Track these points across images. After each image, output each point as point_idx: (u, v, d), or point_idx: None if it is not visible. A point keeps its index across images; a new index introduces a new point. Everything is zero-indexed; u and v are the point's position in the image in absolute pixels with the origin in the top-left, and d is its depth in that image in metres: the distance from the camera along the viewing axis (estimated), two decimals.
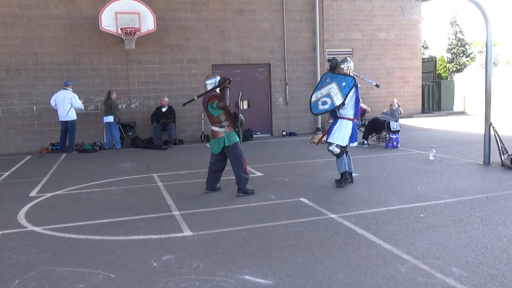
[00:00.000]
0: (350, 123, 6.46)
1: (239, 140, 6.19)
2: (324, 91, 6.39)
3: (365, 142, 10.84)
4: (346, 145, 6.55)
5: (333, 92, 6.28)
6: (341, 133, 6.42)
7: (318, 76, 14.26)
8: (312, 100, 6.51)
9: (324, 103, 6.34)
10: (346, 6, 18.08)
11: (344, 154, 6.53)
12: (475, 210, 5.19)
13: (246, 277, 3.53)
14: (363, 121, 11.65)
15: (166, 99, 12.33)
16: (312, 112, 6.58)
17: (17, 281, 3.58)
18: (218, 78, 6.25)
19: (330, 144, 6.46)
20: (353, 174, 6.84)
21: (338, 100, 6.24)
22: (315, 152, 10.15)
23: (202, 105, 6.36)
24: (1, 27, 11.53)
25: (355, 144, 6.79)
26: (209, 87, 6.26)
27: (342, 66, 6.54)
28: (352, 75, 6.50)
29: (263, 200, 5.95)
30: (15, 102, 11.81)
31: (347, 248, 4.09)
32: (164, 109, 12.25)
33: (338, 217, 5.04)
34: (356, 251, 4.01)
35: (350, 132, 6.44)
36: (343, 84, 6.25)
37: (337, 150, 6.43)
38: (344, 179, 6.53)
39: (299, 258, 3.87)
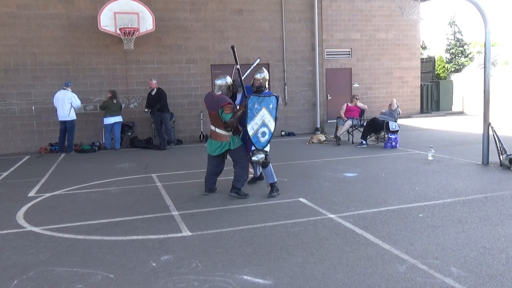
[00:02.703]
0: None
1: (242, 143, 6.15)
2: (258, 120, 5.98)
3: (364, 142, 10.84)
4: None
5: (266, 119, 6.03)
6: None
7: (317, 76, 14.28)
8: (251, 134, 5.94)
9: (264, 134, 6.06)
10: (345, 6, 18.16)
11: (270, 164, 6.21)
12: (473, 210, 5.20)
13: (245, 277, 3.53)
14: (362, 121, 11.65)
15: (154, 81, 11.77)
16: (256, 147, 6.05)
17: (15, 282, 3.57)
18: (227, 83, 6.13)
19: (257, 155, 6.08)
20: (351, 175, 6.80)
21: (272, 125, 6.09)
22: (314, 152, 10.16)
23: (208, 102, 6.13)
24: (0, 27, 11.51)
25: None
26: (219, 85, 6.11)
27: (256, 76, 6.26)
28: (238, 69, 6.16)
29: (262, 200, 5.95)
30: (14, 102, 11.79)
31: (346, 248, 4.09)
32: (153, 93, 11.70)
33: (337, 217, 5.04)
34: (355, 251, 4.01)
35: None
36: (271, 106, 6.04)
37: (263, 159, 6.10)
38: (276, 189, 6.17)
39: (298, 258, 3.87)
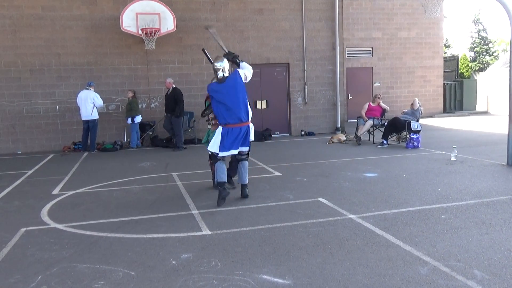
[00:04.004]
0: (218, 128, 5.87)
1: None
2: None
3: (385, 142, 10.72)
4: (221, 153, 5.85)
5: None
6: (213, 139, 5.89)
7: (338, 75, 14.18)
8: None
9: None
10: (366, 4, 17.98)
11: (219, 162, 5.80)
12: (498, 212, 5.09)
13: (264, 276, 3.54)
14: (383, 121, 11.52)
15: (169, 80, 11.48)
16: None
17: (40, 277, 3.66)
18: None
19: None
20: (372, 175, 6.71)
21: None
22: (334, 152, 10.10)
23: None
24: (26, 28, 11.80)
25: (224, 154, 5.80)
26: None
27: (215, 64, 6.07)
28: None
29: (282, 200, 5.94)
30: (39, 101, 12.07)
31: (366, 249, 4.05)
32: (169, 92, 11.38)
33: (357, 218, 5.00)
34: (375, 252, 3.97)
35: (218, 139, 5.77)
36: None
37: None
38: (220, 192, 5.76)
39: (317, 259, 3.85)
